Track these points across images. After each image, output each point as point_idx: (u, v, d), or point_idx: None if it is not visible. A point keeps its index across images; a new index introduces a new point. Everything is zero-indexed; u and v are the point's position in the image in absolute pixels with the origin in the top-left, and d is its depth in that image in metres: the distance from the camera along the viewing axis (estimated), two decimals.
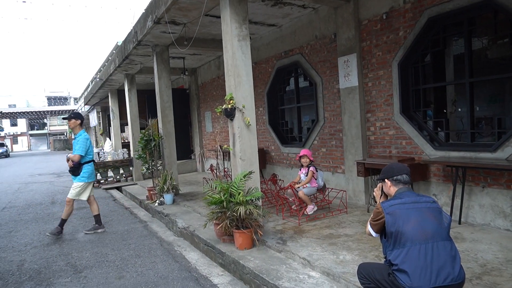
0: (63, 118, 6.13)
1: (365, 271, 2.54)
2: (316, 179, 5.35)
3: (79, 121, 5.70)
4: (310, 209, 5.22)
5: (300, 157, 5.41)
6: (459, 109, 5.16)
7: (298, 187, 5.24)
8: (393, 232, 2.32)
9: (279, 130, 8.19)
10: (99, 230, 5.78)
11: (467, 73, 4.46)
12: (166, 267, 4.06)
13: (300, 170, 5.51)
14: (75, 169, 5.64)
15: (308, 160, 5.36)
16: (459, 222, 4.39)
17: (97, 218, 5.86)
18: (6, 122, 58.24)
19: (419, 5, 4.78)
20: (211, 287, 3.52)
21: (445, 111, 5.23)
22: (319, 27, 6.47)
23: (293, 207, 5.37)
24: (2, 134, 57.97)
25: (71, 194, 5.69)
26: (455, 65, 5.00)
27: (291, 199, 5.45)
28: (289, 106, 7.96)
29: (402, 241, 2.28)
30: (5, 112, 41.39)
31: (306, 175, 5.31)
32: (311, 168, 5.30)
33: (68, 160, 5.65)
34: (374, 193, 2.77)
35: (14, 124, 61.54)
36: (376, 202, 2.74)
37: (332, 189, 5.72)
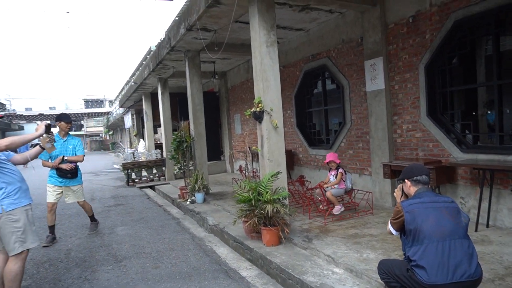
0: (56, 120, 5.41)
1: (385, 267, 2.68)
2: (344, 181, 5.48)
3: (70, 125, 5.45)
4: (337, 209, 5.35)
5: (328, 162, 5.56)
6: (488, 112, 5.12)
7: (327, 187, 5.39)
8: (412, 230, 2.45)
9: (306, 132, 8.34)
10: (98, 226, 6.05)
11: (495, 75, 4.44)
12: (198, 260, 4.34)
13: (330, 172, 5.65)
14: (75, 172, 5.40)
15: (335, 163, 5.50)
16: (487, 225, 4.38)
17: (92, 217, 6.01)
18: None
19: (445, 8, 4.81)
20: (240, 279, 3.75)
21: (474, 113, 5.20)
22: (346, 31, 6.58)
23: (320, 207, 5.52)
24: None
25: (81, 196, 5.65)
26: (483, 67, 4.97)
27: (319, 198, 5.60)
28: (317, 108, 8.09)
29: (420, 238, 2.41)
30: (46, 114, 43.83)
31: (335, 177, 5.45)
32: (340, 170, 5.44)
33: (58, 163, 5.19)
34: (395, 193, 2.90)
35: (54, 125, 64.93)
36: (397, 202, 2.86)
37: (358, 190, 5.81)
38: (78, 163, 5.46)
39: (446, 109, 5.14)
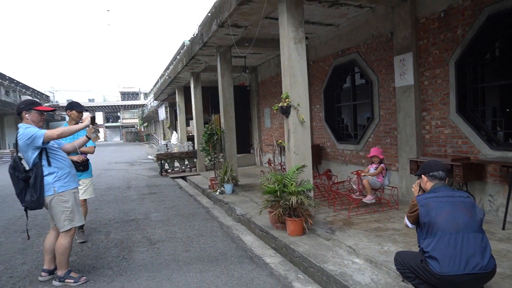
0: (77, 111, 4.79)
1: (400, 258, 2.80)
2: (384, 177, 5.54)
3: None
4: (369, 199, 5.41)
5: (371, 157, 5.63)
6: None
7: (365, 175, 5.49)
8: (426, 223, 2.55)
9: (335, 127, 8.39)
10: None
11: None
12: (225, 246, 4.61)
13: (371, 164, 5.72)
14: (86, 164, 4.88)
15: (378, 158, 5.56)
16: None
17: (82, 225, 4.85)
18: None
19: (478, 2, 4.72)
20: (264, 265, 3.97)
21: (507, 110, 5.08)
22: (375, 26, 6.56)
23: (353, 195, 5.60)
24: None
25: (91, 192, 5.06)
26: None
27: (354, 186, 5.70)
28: (345, 103, 8.11)
29: (433, 230, 2.51)
30: (86, 106, 46.04)
31: (376, 170, 5.53)
32: (382, 165, 5.52)
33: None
34: (413, 188, 3.00)
35: (93, 116, 67.98)
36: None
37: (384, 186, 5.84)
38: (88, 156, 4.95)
39: (476, 106, 5.06)
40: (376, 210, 5.30)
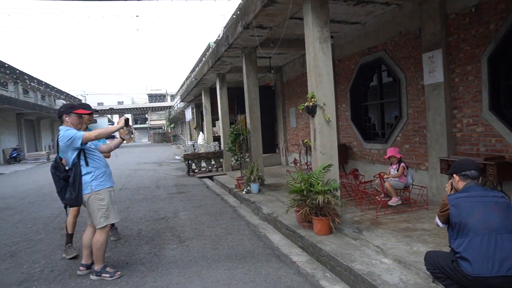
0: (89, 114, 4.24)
1: (431, 258, 2.76)
2: (406, 176, 5.46)
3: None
4: (394, 201, 5.35)
5: (388, 157, 5.57)
6: None
7: (387, 178, 5.43)
8: (457, 223, 2.51)
9: (361, 126, 8.29)
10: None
11: None
12: (252, 244, 4.69)
13: (391, 165, 5.66)
14: None
15: (396, 158, 5.49)
16: None
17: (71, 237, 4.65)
18: (115, 117, 66.86)
19: None
20: (291, 263, 4.01)
21: None
22: (403, 23, 6.44)
23: (377, 198, 5.55)
24: None
25: None
26: None
27: (377, 189, 5.65)
28: (372, 102, 8.00)
29: (465, 231, 2.47)
30: (115, 108, 47.55)
31: (397, 171, 5.46)
32: (402, 164, 5.45)
33: None
34: (446, 188, 2.95)
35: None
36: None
37: (413, 185, 5.74)
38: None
39: (511, 103, 4.88)
40: (405, 210, 5.21)
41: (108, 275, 3.69)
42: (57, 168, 3.62)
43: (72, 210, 4.50)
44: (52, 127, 35.06)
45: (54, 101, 38.18)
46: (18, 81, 29.17)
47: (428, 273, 2.94)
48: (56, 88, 37.59)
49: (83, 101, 50.33)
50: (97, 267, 3.72)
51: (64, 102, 42.82)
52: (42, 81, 32.79)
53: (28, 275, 3.91)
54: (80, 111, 3.80)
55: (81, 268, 3.86)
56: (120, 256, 4.40)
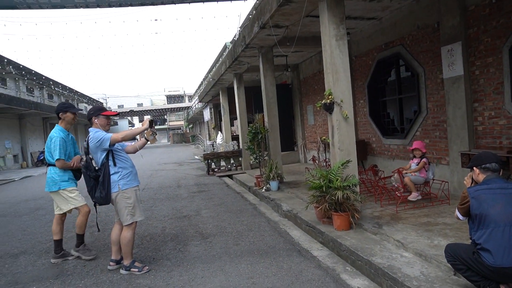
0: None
1: (451, 250, 2.79)
2: (426, 171, 5.44)
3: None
4: (414, 196, 5.33)
5: (413, 149, 5.55)
6: None
7: (406, 173, 5.42)
8: (478, 215, 2.54)
9: (380, 121, 8.25)
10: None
11: None
12: (273, 240, 4.79)
13: (412, 159, 5.64)
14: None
15: (420, 152, 5.47)
16: None
17: (60, 243, 4.54)
18: (135, 119, 68.18)
19: None
20: (311, 258, 4.09)
21: None
22: (420, 16, 6.38)
23: (396, 193, 5.54)
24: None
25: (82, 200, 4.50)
26: None
27: (396, 185, 5.65)
28: (391, 97, 7.95)
29: (486, 222, 2.49)
30: (135, 110, 48.53)
31: (417, 165, 5.44)
32: (424, 159, 5.42)
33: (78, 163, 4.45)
34: (465, 181, 2.96)
35: (141, 120, 71.65)
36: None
37: (434, 180, 5.70)
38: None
39: None
40: (426, 205, 5.19)
41: (136, 270, 3.87)
42: (88, 168, 3.82)
43: (57, 218, 4.45)
44: (75, 130, 36.14)
45: (77, 104, 39.33)
46: (44, 86, 30.24)
47: (449, 266, 2.97)
48: (79, 92, 38.74)
49: (104, 104, 51.62)
50: (126, 262, 3.90)
51: (87, 105, 44.09)
52: (66, 86, 33.90)
53: (63, 270, 4.14)
54: (108, 113, 4.00)
55: (111, 263, 4.05)
56: (147, 252, 4.59)
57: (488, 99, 5.29)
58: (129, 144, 4.16)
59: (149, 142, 4.13)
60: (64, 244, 4.62)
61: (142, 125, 3.93)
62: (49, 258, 4.49)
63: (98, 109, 4.01)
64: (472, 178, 2.87)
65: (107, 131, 3.93)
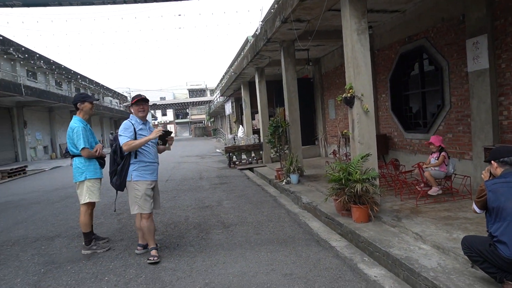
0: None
1: (468, 242, 2.83)
2: (446, 165, 5.41)
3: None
4: (434, 191, 5.32)
5: (429, 143, 5.54)
6: None
7: (426, 168, 5.42)
8: (495, 208, 2.58)
9: (402, 115, 8.17)
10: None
11: None
12: (292, 230, 4.91)
13: (432, 154, 5.63)
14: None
15: (434, 146, 5.45)
16: None
17: (89, 234, 4.57)
18: (158, 113, 69.46)
19: None
20: (330, 248, 4.19)
21: None
22: (445, 9, 6.28)
23: (417, 187, 5.54)
24: (156, 122, 69.19)
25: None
26: None
27: (418, 178, 5.64)
28: (413, 91, 7.86)
29: (503, 215, 2.53)
30: (158, 104, 49.49)
31: (437, 160, 5.43)
32: (443, 153, 5.40)
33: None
34: (482, 175, 2.98)
35: (164, 114, 72.97)
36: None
37: (456, 175, 5.65)
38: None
39: None
40: (447, 199, 5.18)
41: (151, 258, 3.97)
42: (116, 152, 4.05)
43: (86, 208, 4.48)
44: (101, 122, 37.26)
45: (103, 98, 40.49)
46: (72, 80, 31.30)
47: (467, 258, 3.00)
48: (105, 86, 39.85)
49: (128, 98, 52.82)
50: (150, 247, 4.12)
51: (112, 99, 45.25)
52: (92, 80, 34.96)
53: (94, 253, 4.41)
54: (135, 100, 4.11)
55: (138, 247, 4.29)
56: (172, 239, 4.81)
57: None
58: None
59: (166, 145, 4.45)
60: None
61: (152, 133, 4.03)
62: (82, 241, 4.76)
63: (132, 98, 4.18)
64: (490, 172, 2.89)
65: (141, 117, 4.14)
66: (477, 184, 5.69)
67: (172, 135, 4.33)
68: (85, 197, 4.45)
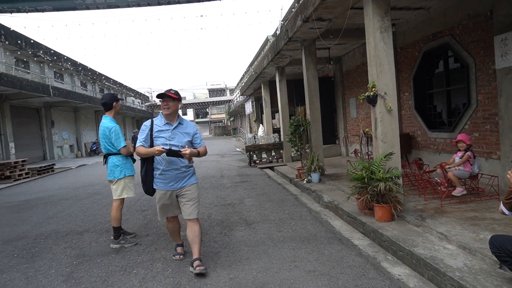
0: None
1: (497, 242, 2.78)
2: (471, 165, 5.31)
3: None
4: (459, 191, 5.22)
5: (457, 141, 5.44)
6: None
7: (449, 168, 5.32)
8: None
9: (426, 114, 8.03)
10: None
11: None
12: (314, 228, 4.94)
13: (456, 153, 5.53)
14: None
15: (464, 144, 5.35)
16: None
17: (119, 229, 4.77)
18: (179, 112, 70.32)
19: None
20: (352, 246, 4.20)
21: None
22: (471, 5, 6.14)
23: (440, 188, 5.45)
24: None
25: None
26: None
27: (438, 180, 5.55)
28: (438, 90, 7.71)
29: None
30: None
31: (461, 159, 5.33)
32: (468, 152, 5.29)
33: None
34: (508, 175, 2.92)
35: (184, 113, 73.91)
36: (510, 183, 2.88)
37: (482, 174, 5.52)
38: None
39: None
40: (473, 199, 5.08)
41: (175, 254, 4.11)
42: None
43: (118, 204, 4.66)
44: (124, 122, 38.15)
45: (125, 98, 41.43)
46: (97, 81, 32.21)
47: (495, 259, 2.96)
48: (127, 86, 40.79)
49: (150, 98, 53.84)
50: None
51: (134, 99, 46.22)
52: (116, 81, 35.87)
53: (122, 247, 4.58)
54: (158, 95, 3.75)
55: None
56: None
57: None
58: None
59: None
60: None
61: (152, 150, 3.53)
62: (109, 236, 4.95)
63: (158, 95, 3.81)
64: None
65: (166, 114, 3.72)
66: (504, 184, 5.55)
67: (186, 152, 3.51)
68: (122, 193, 4.66)
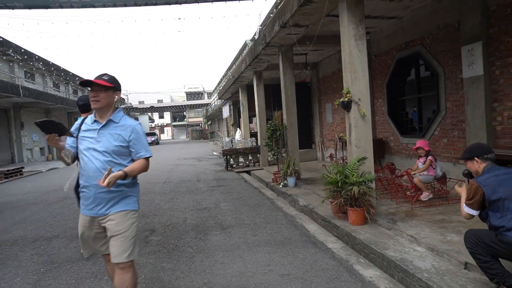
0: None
1: (474, 236, 2.79)
2: (434, 168, 5.50)
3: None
4: (425, 195, 5.41)
5: (416, 148, 5.62)
6: None
7: (414, 174, 5.50)
8: (496, 201, 2.61)
9: (398, 120, 8.28)
10: None
11: None
12: (289, 232, 4.97)
13: (419, 159, 5.72)
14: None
15: (423, 150, 5.54)
16: None
17: None
18: (155, 115, 69.42)
19: None
20: (326, 249, 4.25)
21: None
22: (442, 16, 6.40)
23: (408, 193, 5.64)
24: (153, 125, 69.14)
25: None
26: None
27: (406, 185, 5.72)
28: (409, 97, 7.97)
29: (506, 205, 2.58)
30: (155, 107, 49.41)
31: (424, 164, 5.52)
32: (429, 157, 5.48)
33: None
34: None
35: (161, 116, 72.95)
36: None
37: (450, 179, 5.74)
38: None
39: None
40: (441, 203, 5.26)
41: None
42: None
43: None
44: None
45: None
46: (70, 82, 31.27)
47: (460, 259, 3.06)
48: None
49: (126, 100, 52.81)
50: None
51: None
52: None
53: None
54: (84, 84, 2.73)
55: None
56: (170, 239, 4.86)
57: (507, 99, 5.29)
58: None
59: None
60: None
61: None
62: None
63: None
64: (468, 174, 2.98)
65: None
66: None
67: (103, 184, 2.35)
68: None
